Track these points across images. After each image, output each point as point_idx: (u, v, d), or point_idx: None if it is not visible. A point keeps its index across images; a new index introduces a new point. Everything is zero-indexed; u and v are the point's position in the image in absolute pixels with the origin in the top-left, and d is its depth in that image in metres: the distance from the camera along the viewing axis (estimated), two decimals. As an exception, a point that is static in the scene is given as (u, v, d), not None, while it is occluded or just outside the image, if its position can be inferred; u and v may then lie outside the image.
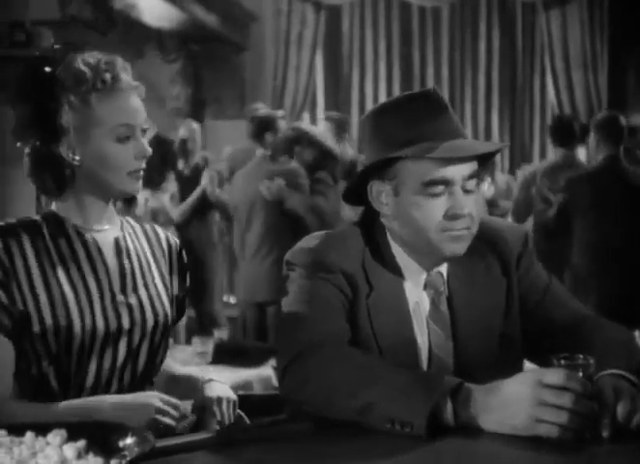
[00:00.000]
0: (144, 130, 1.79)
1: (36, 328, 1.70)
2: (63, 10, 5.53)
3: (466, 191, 1.72)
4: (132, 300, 1.81)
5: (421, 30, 9.48)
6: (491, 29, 9.46)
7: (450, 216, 1.71)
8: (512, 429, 1.41)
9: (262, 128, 5.37)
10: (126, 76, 1.77)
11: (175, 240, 1.98)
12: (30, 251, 1.74)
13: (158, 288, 1.87)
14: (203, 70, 8.49)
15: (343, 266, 1.75)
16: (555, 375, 1.41)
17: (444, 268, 1.82)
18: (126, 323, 1.78)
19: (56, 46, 1.79)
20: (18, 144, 1.79)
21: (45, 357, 1.72)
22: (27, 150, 1.78)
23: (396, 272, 1.79)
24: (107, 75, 1.74)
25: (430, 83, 9.38)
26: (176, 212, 5.22)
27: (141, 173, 1.79)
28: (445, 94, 9.48)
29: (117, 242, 1.84)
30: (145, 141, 1.78)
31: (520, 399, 1.41)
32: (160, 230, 1.97)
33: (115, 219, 1.87)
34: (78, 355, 1.73)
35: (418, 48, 9.47)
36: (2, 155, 5.27)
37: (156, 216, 5.02)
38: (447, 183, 1.71)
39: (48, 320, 1.70)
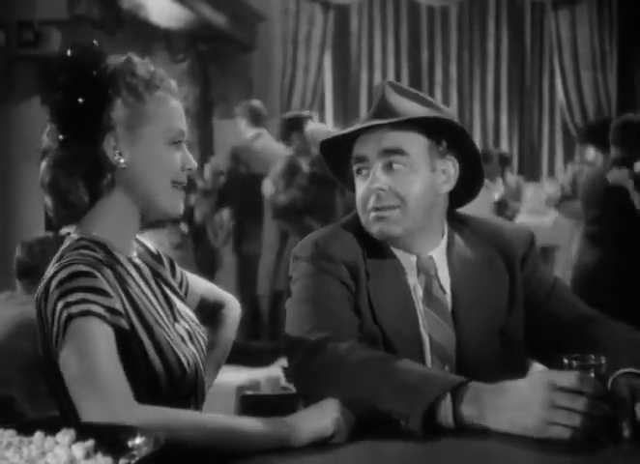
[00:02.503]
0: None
1: (143, 367, 1.51)
2: (71, 9, 5.53)
3: (388, 169, 1.76)
4: (187, 326, 1.66)
5: (430, 30, 9.49)
6: (500, 29, 9.45)
7: (365, 192, 1.77)
8: (523, 430, 1.40)
9: (289, 128, 5.50)
10: (174, 83, 1.65)
11: (151, 242, 1.79)
12: (119, 289, 1.53)
13: (185, 310, 1.72)
14: (211, 69, 8.49)
15: (345, 257, 1.76)
16: (569, 378, 1.40)
17: (435, 252, 1.82)
18: (195, 351, 1.64)
19: (95, 43, 1.62)
20: (55, 145, 1.57)
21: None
22: (56, 153, 1.57)
23: (392, 256, 1.80)
24: (162, 74, 1.62)
25: (439, 82, 9.40)
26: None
27: (184, 192, 1.63)
28: (453, 93, 9.54)
29: (149, 266, 1.68)
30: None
31: (532, 401, 1.40)
32: (144, 240, 1.76)
33: None
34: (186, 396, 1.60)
35: (426, 48, 9.48)
36: (7, 154, 5.28)
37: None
38: (362, 159, 1.78)
39: (159, 365, 1.53)
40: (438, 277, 1.81)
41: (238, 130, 6.30)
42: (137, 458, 1.19)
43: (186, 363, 1.58)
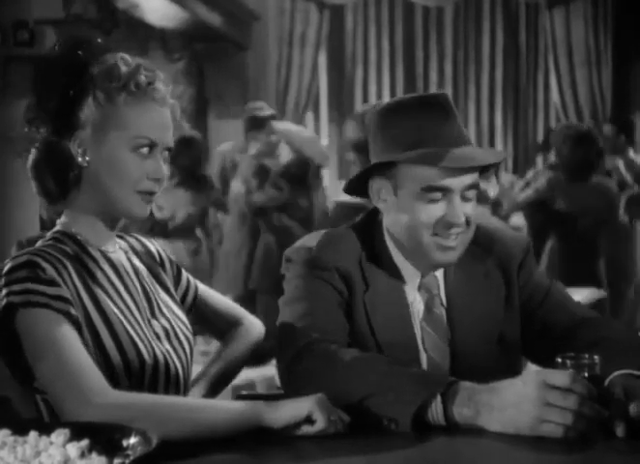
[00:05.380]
0: (169, 149, 1.63)
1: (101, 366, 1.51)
2: (67, 9, 5.52)
3: (465, 199, 1.73)
4: (166, 324, 1.67)
5: (425, 29, 9.48)
6: (495, 28, 9.45)
7: (445, 223, 1.72)
8: (516, 429, 1.41)
9: (247, 128, 5.57)
10: (165, 90, 1.62)
11: (156, 245, 1.81)
12: (78, 281, 1.56)
13: (173, 308, 1.73)
14: (207, 69, 8.48)
15: (338, 264, 1.76)
16: (561, 377, 1.41)
17: (440, 271, 1.83)
18: (171, 349, 1.65)
19: (99, 40, 1.63)
20: (27, 130, 1.64)
21: None
22: (36, 142, 1.63)
23: (394, 271, 1.80)
24: (144, 79, 1.59)
25: (434, 82, 9.39)
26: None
27: (152, 198, 1.62)
28: (448, 93, 9.46)
29: (130, 261, 1.69)
30: (163, 163, 1.61)
31: (525, 400, 1.41)
32: (144, 239, 1.79)
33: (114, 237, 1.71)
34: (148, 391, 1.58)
35: (421, 48, 9.47)
36: (3, 154, 5.27)
37: None
38: (446, 190, 1.71)
39: (116, 357, 1.54)
40: (440, 296, 1.81)
41: (233, 131, 6.33)
42: (132, 458, 1.20)
43: (149, 358, 1.58)
